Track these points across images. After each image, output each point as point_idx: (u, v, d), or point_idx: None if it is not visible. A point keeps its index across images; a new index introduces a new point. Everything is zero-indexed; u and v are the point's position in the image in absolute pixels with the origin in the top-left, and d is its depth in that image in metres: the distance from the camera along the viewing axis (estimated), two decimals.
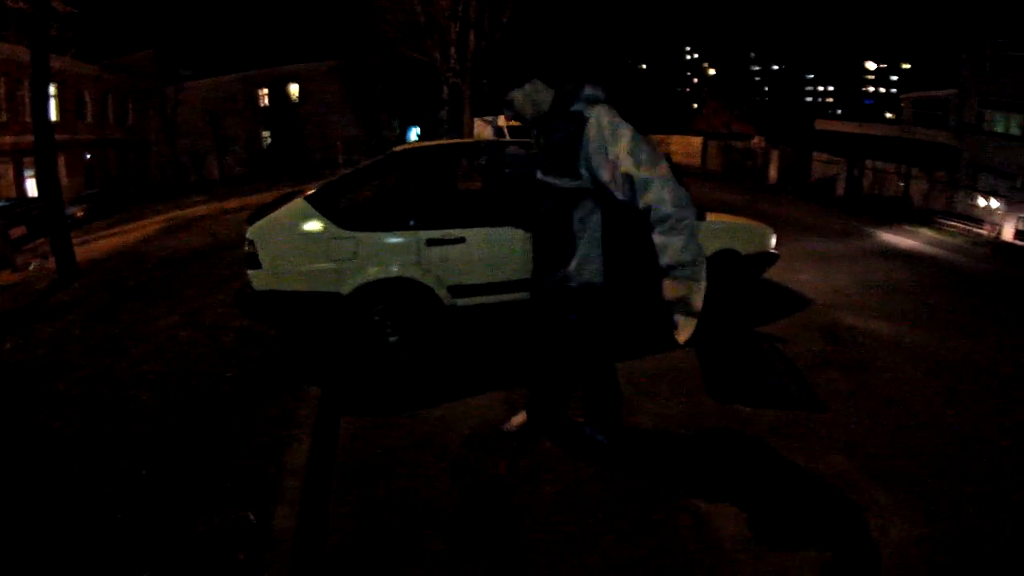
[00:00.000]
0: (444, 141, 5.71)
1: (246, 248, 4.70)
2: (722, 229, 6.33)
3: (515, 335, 5.59)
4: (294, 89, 43.78)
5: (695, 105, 70.20)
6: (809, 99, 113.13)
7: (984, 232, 15.46)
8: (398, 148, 5.86)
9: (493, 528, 3.17)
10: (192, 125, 41.70)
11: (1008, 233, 15.16)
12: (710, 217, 6.32)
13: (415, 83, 34.18)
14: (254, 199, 18.28)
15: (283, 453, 3.62)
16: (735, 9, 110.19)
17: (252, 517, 3.04)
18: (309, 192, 4.89)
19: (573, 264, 3.19)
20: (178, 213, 20.83)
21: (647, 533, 3.15)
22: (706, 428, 4.27)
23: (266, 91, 43.86)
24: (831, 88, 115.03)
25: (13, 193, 26.24)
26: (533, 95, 3.12)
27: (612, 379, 3.65)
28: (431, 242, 4.90)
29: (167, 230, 15.99)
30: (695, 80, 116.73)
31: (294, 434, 3.84)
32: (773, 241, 6.77)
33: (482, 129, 25.44)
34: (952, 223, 16.68)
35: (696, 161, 30.85)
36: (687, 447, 4.01)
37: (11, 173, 27.27)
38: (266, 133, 44.15)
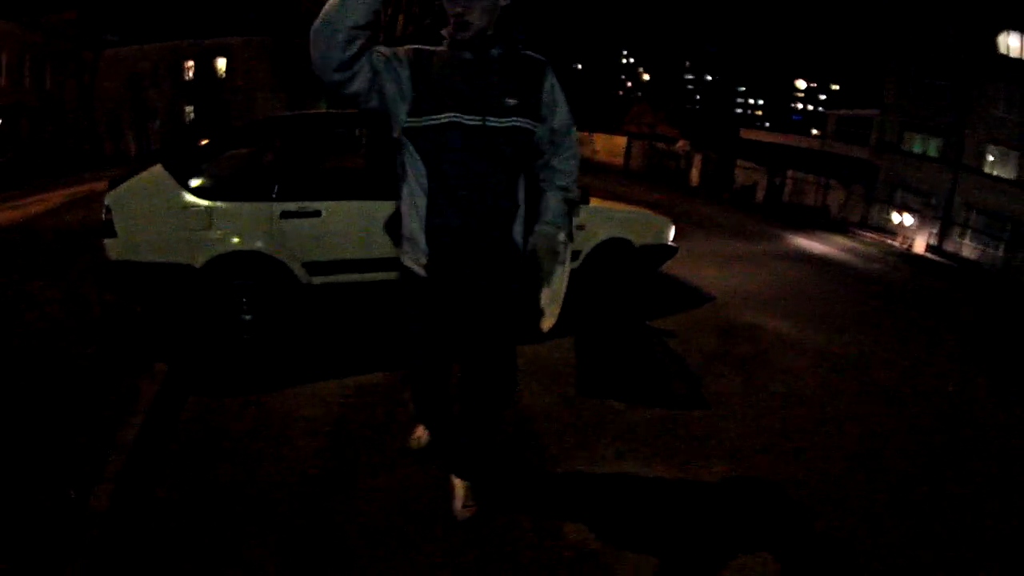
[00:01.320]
0: (316, 111, 5.36)
1: (103, 215, 4.39)
2: (612, 216, 6.06)
3: (374, 317, 5.37)
4: (221, 64, 42.33)
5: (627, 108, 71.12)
6: (739, 111, 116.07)
7: (897, 244, 15.94)
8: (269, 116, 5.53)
9: (319, 529, 2.91)
10: (112, 94, 39.91)
11: (920, 246, 15.71)
12: (596, 203, 5.96)
13: None
14: None
15: (118, 430, 3.36)
16: (674, 17, 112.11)
17: (72, 494, 2.83)
18: (167, 158, 4.57)
19: (517, 222, 2.67)
20: (85, 187, 19.96)
21: (481, 541, 2.86)
22: (568, 424, 3.94)
23: (192, 64, 42.28)
24: (761, 102, 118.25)
25: None
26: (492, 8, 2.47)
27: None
28: (285, 214, 4.60)
29: (70, 204, 15.31)
30: (629, 84, 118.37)
31: (133, 411, 3.58)
32: (671, 234, 6.56)
33: None
34: (867, 234, 17.16)
35: (619, 161, 31.01)
36: (545, 445, 3.70)
37: None
38: (190, 108, 42.71)
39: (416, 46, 2.55)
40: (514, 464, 3.49)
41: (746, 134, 41.51)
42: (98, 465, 3.05)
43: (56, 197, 17.83)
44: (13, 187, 24.07)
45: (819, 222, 18.14)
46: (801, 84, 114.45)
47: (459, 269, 2.64)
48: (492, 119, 2.49)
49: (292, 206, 4.59)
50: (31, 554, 2.51)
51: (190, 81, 42.50)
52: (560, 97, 2.64)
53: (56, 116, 38.74)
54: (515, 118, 2.51)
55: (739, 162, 25.42)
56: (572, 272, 4.66)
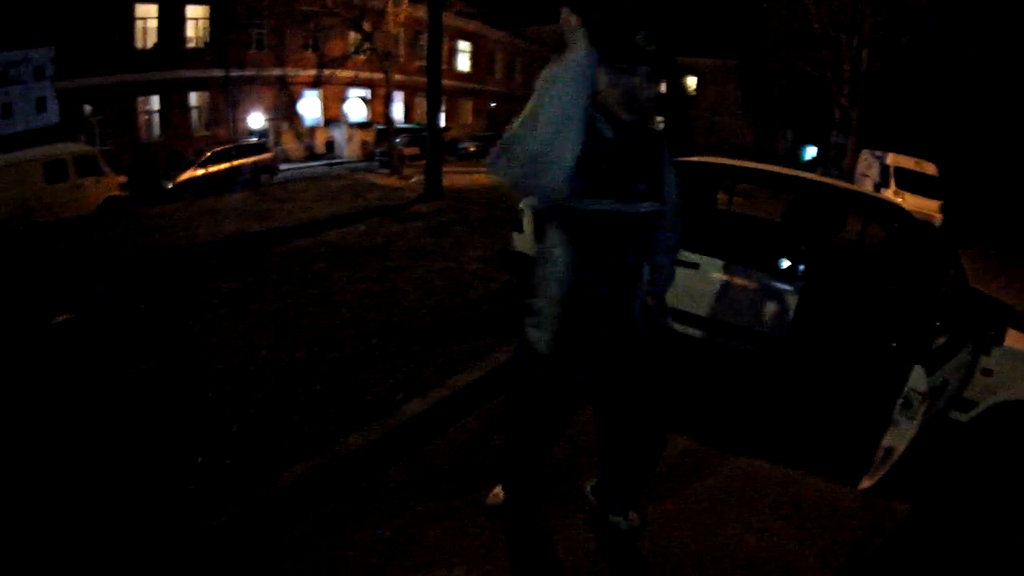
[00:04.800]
0: (736, 162, 5.25)
1: (517, 215, 5.43)
2: None
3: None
4: (691, 82, 45.02)
5: None
6: None
7: None
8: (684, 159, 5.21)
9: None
10: None
11: None
12: (1013, 340, 4.06)
13: (811, 99, 31.47)
14: None
15: (459, 373, 4.39)
16: None
17: (400, 396, 3.97)
18: None
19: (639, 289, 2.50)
20: None
21: None
22: None
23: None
24: None
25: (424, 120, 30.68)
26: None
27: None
28: None
29: None
30: None
31: (475, 364, 4.59)
32: None
33: (866, 166, 20.42)
34: None
35: None
36: None
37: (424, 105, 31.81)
38: (660, 118, 45.78)
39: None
40: None
41: None
42: (427, 388, 4.13)
43: None
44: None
45: None
46: None
47: (589, 342, 2.47)
48: (638, 205, 2.36)
49: None
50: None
51: (662, 94, 45.59)
52: (671, 169, 2.48)
53: None
54: (648, 203, 2.36)
55: None
56: (957, 426, 4.05)
